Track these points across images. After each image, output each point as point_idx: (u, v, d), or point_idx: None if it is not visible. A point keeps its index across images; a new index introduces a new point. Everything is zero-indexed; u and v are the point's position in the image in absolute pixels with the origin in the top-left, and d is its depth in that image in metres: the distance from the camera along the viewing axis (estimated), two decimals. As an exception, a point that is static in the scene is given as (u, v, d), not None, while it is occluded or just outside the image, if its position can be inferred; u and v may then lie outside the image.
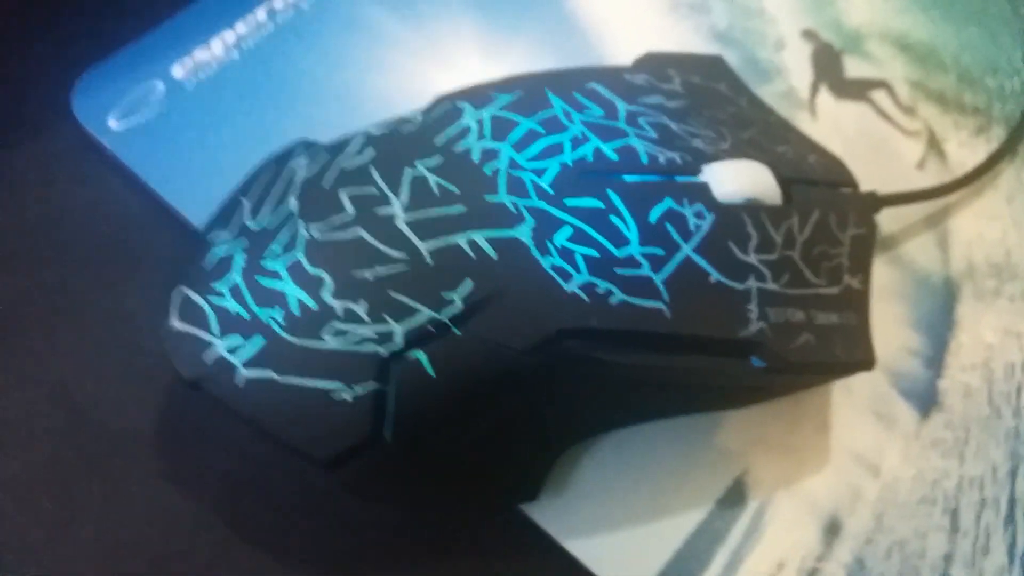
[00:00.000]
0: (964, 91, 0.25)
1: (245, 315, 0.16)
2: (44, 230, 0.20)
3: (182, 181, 0.21)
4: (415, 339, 0.15)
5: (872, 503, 0.19)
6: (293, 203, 0.16)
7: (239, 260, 0.16)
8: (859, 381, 0.20)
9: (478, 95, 0.17)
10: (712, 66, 0.21)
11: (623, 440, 0.19)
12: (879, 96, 0.24)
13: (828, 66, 0.25)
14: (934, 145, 0.24)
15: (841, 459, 0.19)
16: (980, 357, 0.21)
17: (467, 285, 0.15)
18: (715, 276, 0.17)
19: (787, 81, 0.24)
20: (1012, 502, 0.19)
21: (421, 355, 0.15)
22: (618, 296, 0.16)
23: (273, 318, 0.16)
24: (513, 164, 0.16)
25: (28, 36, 0.22)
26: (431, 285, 0.15)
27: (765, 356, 0.17)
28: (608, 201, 0.16)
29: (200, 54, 0.22)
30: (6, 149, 0.21)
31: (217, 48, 0.22)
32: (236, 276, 0.16)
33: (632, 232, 0.16)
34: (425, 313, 0.15)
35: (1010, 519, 0.19)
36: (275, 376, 0.15)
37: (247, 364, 0.16)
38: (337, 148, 0.17)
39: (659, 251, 0.16)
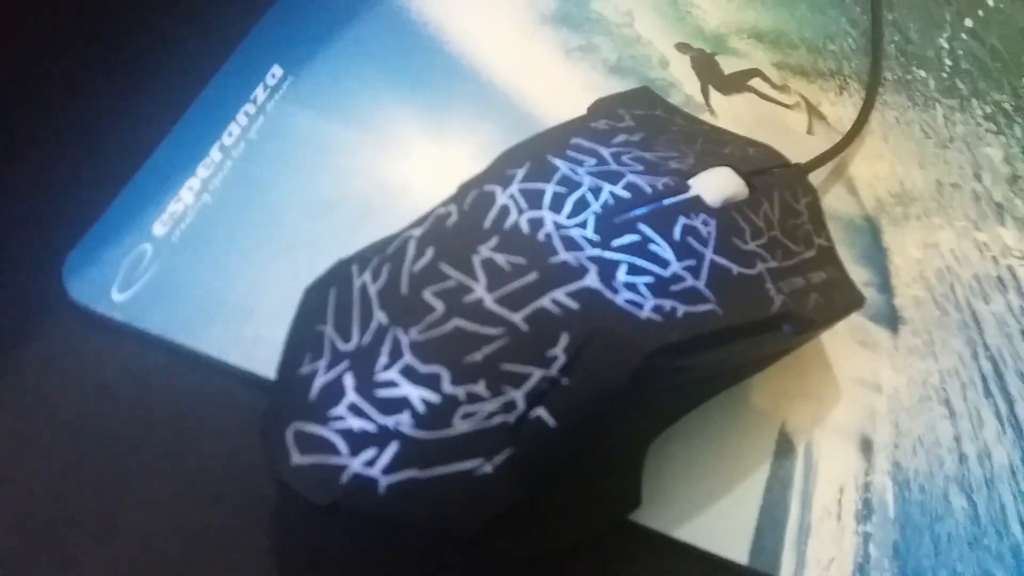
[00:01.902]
0: (816, 60, 0.29)
1: (372, 428, 0.17)
2: (84, 421, 0.20)
3: (200, 327, 0.21)
4: (534, 398, 0.17)
5: (886, 415, 0.23)
6: (381, 315, 0.18)
7: (348, 381, 0.17)
8: (839, 320, 0.23)
9: (496, 175, 0.19)
10: (644, 96, 0.24)
11: (680, 428, 0.21)
12: (756, 83, 0.28)
13: (708, 69, 0.28)
14: (813, 111, 0.28)
15: (850, 387, 0.23)
16: (915, 272, 0.25)
17: (564, 338, 0.17)
18: (736, 269, 0.20)
19: (682, 91, 0.28)
20: (984, 378, 0.23)
21: (541, 411, 0.17)
22: (681, 309, 0.18)
23: (401, 422, 0.17)
24: (558, 225, 0.18)
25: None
26: (535, 348, 0.17)
27: (793, 322, 0.20)
28: (642, 233, 0.19)
29: (174, 207, 0.23)
30: (17, 354, 0.21)
31: (188, 196, 0.23)
32: (351, 396, 0.17)
33: (668, 252, 0.19)
34: (537, 373, 0.17)
35: (987, 392, 0.23)
36: (417, 473, 0.17)
37: (386, 471, 0.17)
38: (391, 256, 0.18)
39: (692, 262, 0.19)
